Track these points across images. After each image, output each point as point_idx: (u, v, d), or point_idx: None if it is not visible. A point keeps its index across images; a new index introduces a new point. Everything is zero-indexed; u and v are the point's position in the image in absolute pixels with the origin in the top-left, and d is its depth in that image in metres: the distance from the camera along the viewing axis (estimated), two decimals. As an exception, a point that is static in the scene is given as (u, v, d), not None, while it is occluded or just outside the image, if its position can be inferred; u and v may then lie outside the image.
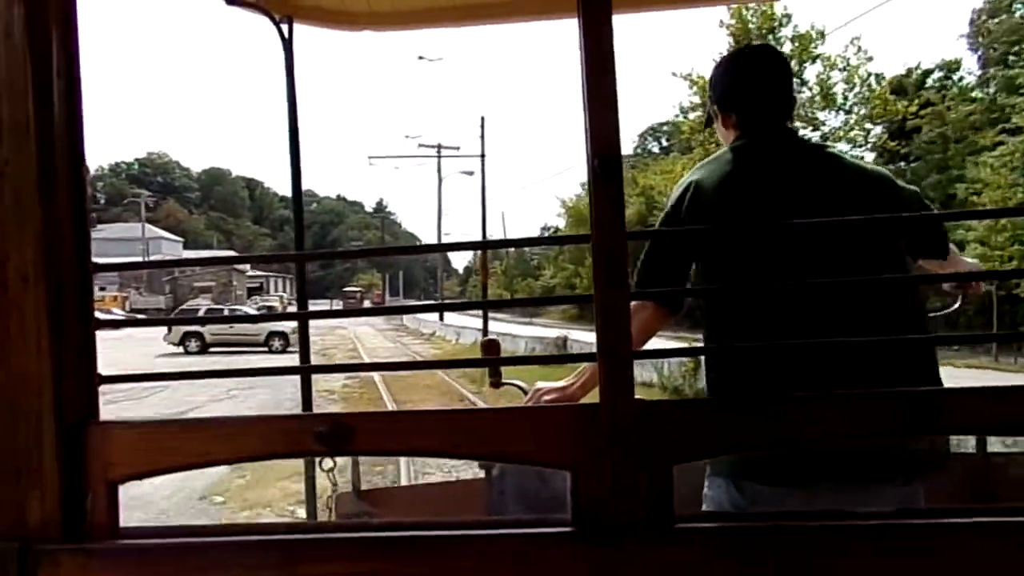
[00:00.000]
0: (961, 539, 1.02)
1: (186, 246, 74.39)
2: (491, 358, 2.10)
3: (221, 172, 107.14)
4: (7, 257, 1.05)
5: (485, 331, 20.80)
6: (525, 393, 2.00)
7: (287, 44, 2.10)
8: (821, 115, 20.99)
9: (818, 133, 20.66)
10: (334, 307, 48.83)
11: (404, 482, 6.73)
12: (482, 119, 34.50)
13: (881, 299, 1.48)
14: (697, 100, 25.24)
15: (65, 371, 1.06)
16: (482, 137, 34.06)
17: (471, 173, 37.30)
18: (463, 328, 28.74)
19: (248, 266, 68.00)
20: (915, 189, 1.67)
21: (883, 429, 1.08)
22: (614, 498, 1.01)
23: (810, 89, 20.49)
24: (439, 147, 41.36)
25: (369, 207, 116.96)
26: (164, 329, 26.06)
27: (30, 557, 1.02)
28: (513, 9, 2.21)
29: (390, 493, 2.43)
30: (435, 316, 38.39)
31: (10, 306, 1.04)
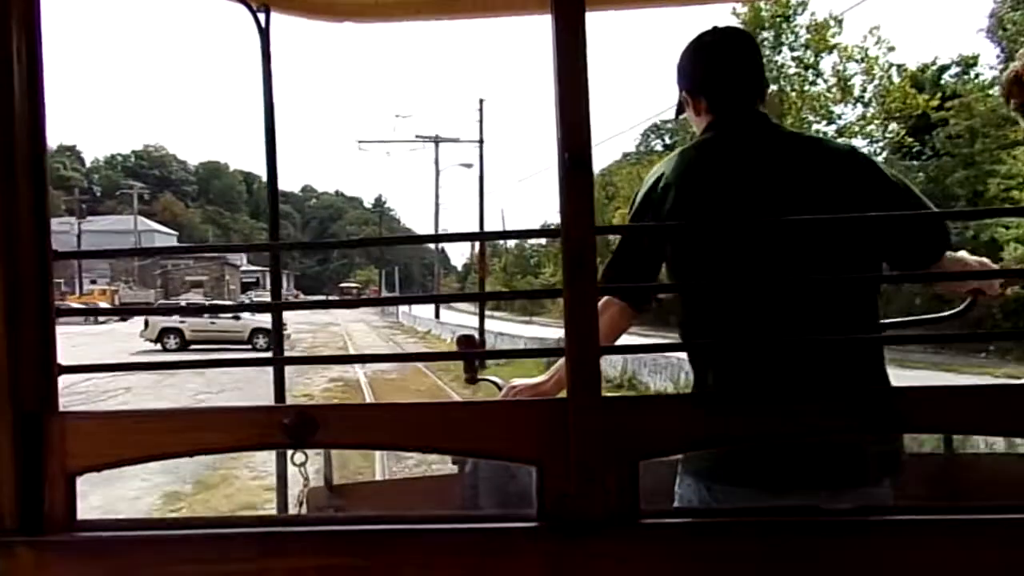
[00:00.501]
0: (927, 537, 1.03)
1: (181, 239, 72.95)
2: (467, 351, 2.09)
3: (219, 165, 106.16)
4: (-37, 244, 1.02)
5: (481, 330, 19.82)
6: (500, 389, 2.00)
7: (264, 33, 2.07)
8: (837, 108, 20.33)
9: (833, 127, 19.97)
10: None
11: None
12: (480, 101, 31.54)
13: (837, 298, 1.46)
14: None
15: (22, 361, 1.04)
16: (480, 121, 31.08)
17: (470, 165, 35.24)
18: (459, 327, 26.89)
19: (244, 260, 66.95)
20: (906, 183, 1.56)
21: (848, 427, 1.09)
22: (580, 493, 1.01)
23: (825, 81, 19.81)
24: (436, 138, 39.30)
25: (368, 203, 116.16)
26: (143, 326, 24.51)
27: (-16, 549, 1.00)
28: (489, 4, 2.20)
29: (363, 488, 2.42)
30: (430, 313, 37.02)
31: None
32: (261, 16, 2.07)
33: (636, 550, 1.02)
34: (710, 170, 1.57)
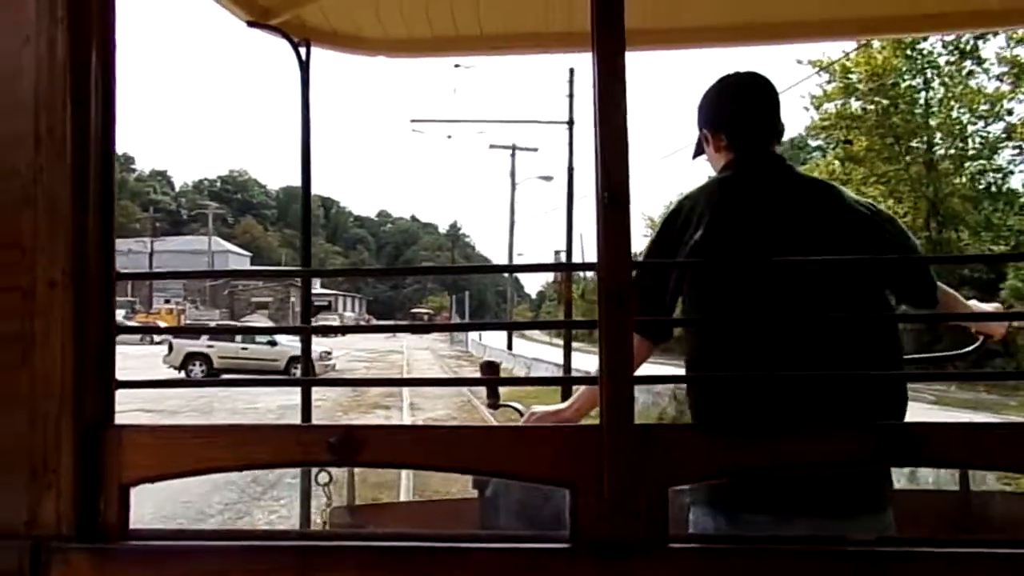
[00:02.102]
0: (939, 568, 1.06)
1: (259, 262, 73.71)
2: (491, 378, 2.14)
3: (297, 190, 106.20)
4: (36, 262, 1.09)
5: (567, 367, 16.82)
6: (521, 415, 2.04)
7: (304, 67, 2.17)
8: (1008, 104, 19.47)
9: (1000, 126, 19.27)
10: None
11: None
12: (571, 71, 24.10)
13: (858, 336, 1.52)
14: (831, 87, 23.28)
15: (85, 375, 1.10)
16: (570, 96, 23.92)
17: (550, 178, 32.97)
18: (534, 360, 23.26)
19: (317, 283, 66.73)
20: (903, 228, 1.67)
21: (871, 459, 1.13)
22: (612, 516, 1.05)
23: (986, 71, 18.94)
24: (513, 148, 35.67)
25: (443, 228, 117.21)
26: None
27: (43, 555, 1.05)
28: (528, 41, 2.29)
29: (384, 509, 2.45)
30: (503, 343, 33.29)
31: (36, 310, 1.08)
32: (302, 50, 2.17)
33: (666, 573, 1.06)
34: (731, 207, 1.63)
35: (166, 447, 1.12)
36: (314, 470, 2.06)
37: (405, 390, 15.77)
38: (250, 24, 2.07)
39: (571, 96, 23.88)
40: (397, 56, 2.34)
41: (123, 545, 1.09)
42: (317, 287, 67.17)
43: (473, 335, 40.65)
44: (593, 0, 1.10)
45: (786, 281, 1.54)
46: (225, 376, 20.28)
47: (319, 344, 24.03)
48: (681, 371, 1.56)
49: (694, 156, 1.84)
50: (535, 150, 36.92)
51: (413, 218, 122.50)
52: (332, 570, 1.09)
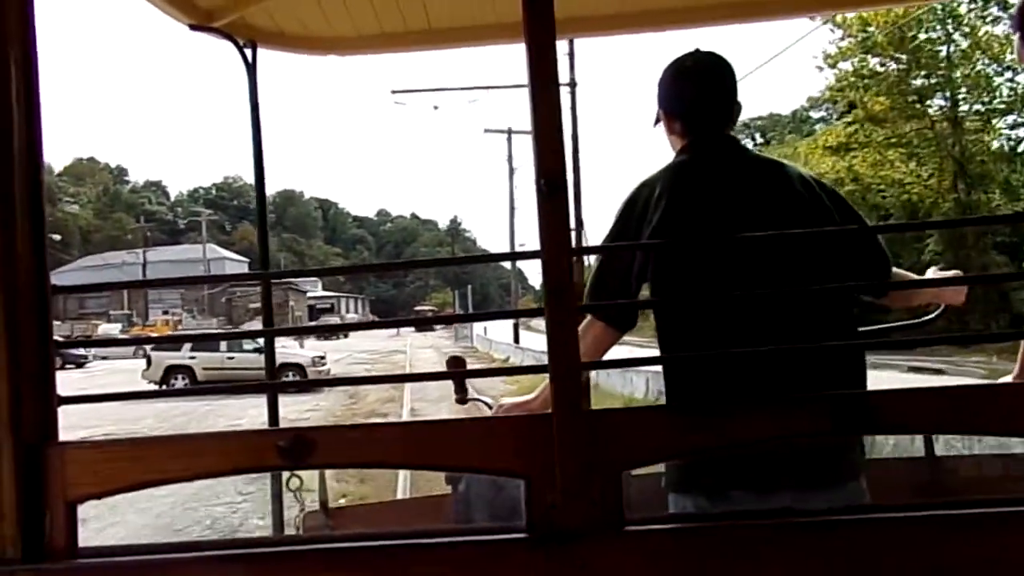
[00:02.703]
0: (908, 532, 1.07)
1: (256, 267, 71.81)
2: (458, 371, 2.13)
3: (293, 194, 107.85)
4: (-36, 281, 1.06)
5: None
6: (490, 408, 2.03)
7: (251, 69, 2.13)
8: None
9: None
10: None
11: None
12: (570, 41, 19.34)
13: (816, 313, 1.54)
14: (845, 44, 21.99)
15: (23, 393, 1.07)
16: (571, 55, 21.04)
17: None
18: (543, 354, 22.83)
19: (319, 286, 65.27)
20: (852, 207, 1.69)
21: (827, 430, 1.13)
22: (566, 504, 1.05)
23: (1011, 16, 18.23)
24: (509, 131, 33.40)
25: (443, 225, 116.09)
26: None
27: (-12, 579, 1.03)
28: (467, 35, 2.28)
29: (359, 510, 2.44)
30: (509, 337, 32.33)
31: None
32: (248, 52, 2.14)
33: (621, 558, 1.05)
34: (687, 190, 1.64)
35: (111, 462, 1.10)
36: (284, 475, 2.05)
37: (406, 395, 14.71)
38: (192, 27, 2.03)
39: (571, 55, 21.28)
40: (346, 54, 2.31)
41: (71, 564, 1.07)
42: (319, 290, 66.59)
43: (478, 329, 39.40)
44: None
45: (744, 262, 1.55)
46: (200, 408, 16.59)
47: (312, 348, 23.07)
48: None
49: (654, 124, 1.84)
50: (530, 132, 35.39)
51: (413, 216, 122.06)
52: (292, 574, 1.08)
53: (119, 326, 43.94)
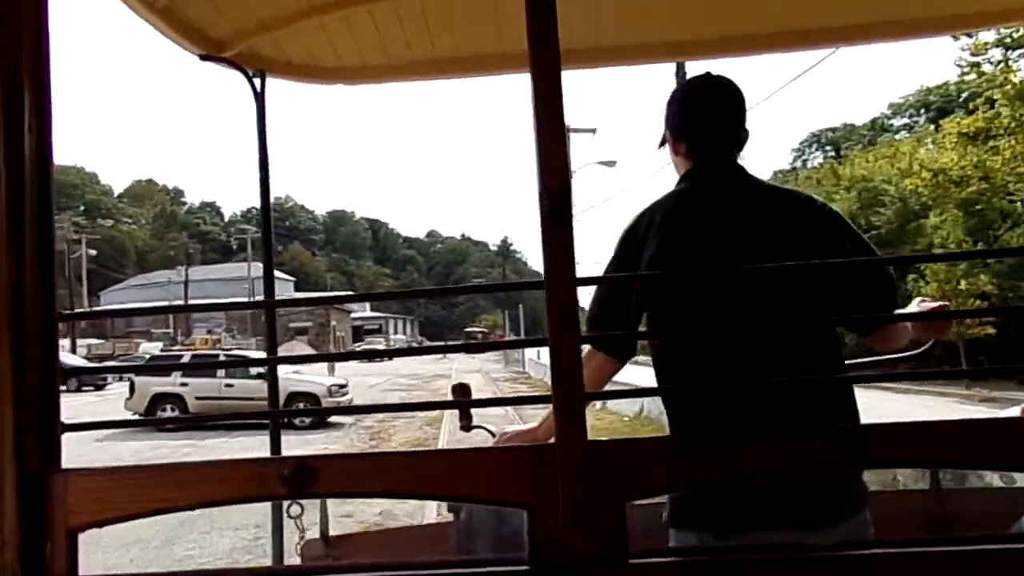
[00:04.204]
0: (915, 567, 1.06)
1: (305, 287, 72.26)
2: (462, 400, 2.12)
3: (344, 214, 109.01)
4: (-28, 307, 1.07)
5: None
6: (493, 436, 2.02)
7: (259, 98, 2.16)
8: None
9: None
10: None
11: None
12: None
13: (807, 346, 1.53)
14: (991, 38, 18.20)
15: (27, 420, 1.07)
16: None
17: (612, 163, 27.46)
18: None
19: (367, 306, 64.11)
20: (863, 239, 1.64)
21: (832, 462, 1.13)
22: (568, 536, 1.04)
23: None
24: (567, 129, 30.62)
25: (494, 246, 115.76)
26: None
27: (-13, 608, 1.02)
28: (473, 65, 2.31)
29: (359, 538, 2.42)
30: None
31: None
32: (256, 81, 2.17)
33: None
34: (686, 220, 1.64)
35: (114, 490, 1.10)
36: (285, 503, 2.03)
37: (442, 436, 13.51)
38: (203, 58, 2.06)
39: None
40: (354, 83, 2.34)
41: (70, 593, 1.06)
42: (367, 311, 65.98)
43: (531, 354, 35.98)
44: (528, 19, 1.11)
45: (741, 294, 1.54)
46: (197, 423, 16.26)
47: (354, 373, 20.63)
48: None
49: (659, 146, 1.82)
50: (593, 131, 29.31)
51: (463, 236, 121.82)
52: None
53: (160, 344, 42.85)
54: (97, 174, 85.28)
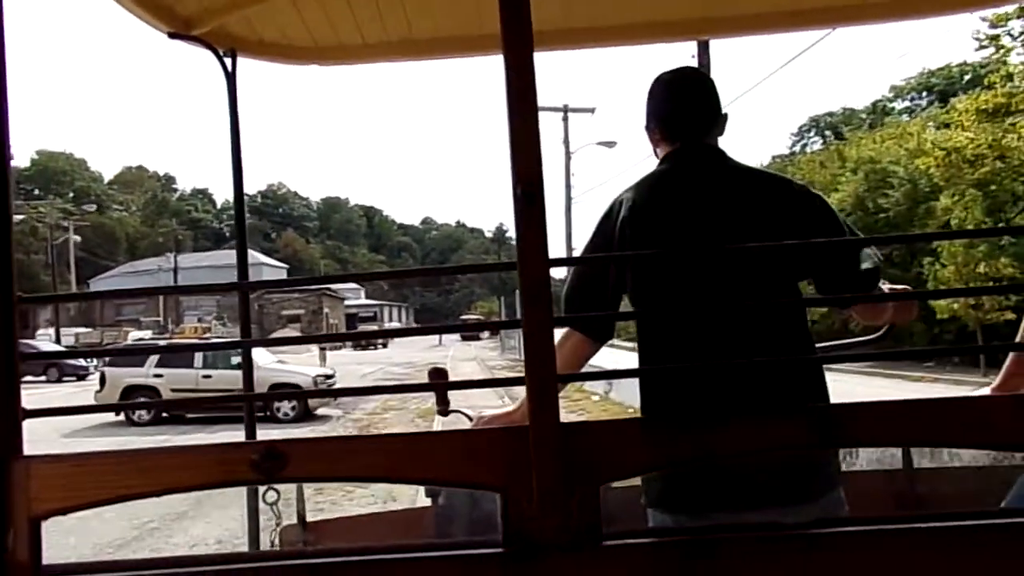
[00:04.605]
0: (885, 545, 1.07)
1: (299, 274, 70.45)
2: (438, 382, 2.11)
3: (339, 201, 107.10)
4: (-73, 291, 1.03)
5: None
6: (471, 420, 2.02)
7: (231, 77, 2.12)
8: None
9: None
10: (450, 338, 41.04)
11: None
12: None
13: (776, 325, 1.55)
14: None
15: (-13, 405, 1.05)
16: None
17: (612, 144, 26.29)
18: (596, 366, 14.59)
19: (362, 293, 62.85)
20: (840, 219, 1.66)
21: (806, 442, 1.13)
22: (542, 518, 1.04)
23: None
24: (565, 109, 28.33)
25: (489, 232, 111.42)
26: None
27: (-54, 597, 1.00)
28: (449, 46, 2.28)
29: (338, 524, 2.41)
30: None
31: None
32: (228, 61, 2.12)
33: (598, 572, 1.04)
34: (661, 200, 1.65)
35: (78, 476, 1.07)
36: (261, 489, 2.01)
37: (435, 426, 13.34)
38: (171, 35, 2.01)
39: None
40: (328, 64, 2.30)
41: (34, 582, 1.04)
42: (361, 298, 64.88)
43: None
44: (501, 1, 1.10)
45: (714, 273, 1.55)
46: (173, 416, 14.64)
47: (348, 361, 19.31)
48: None
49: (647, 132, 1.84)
50: (591, 111, 28.25)
51: (459, 223, 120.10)
52: None
53: (149, 332, 41.64)
54: (86, 160, 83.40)
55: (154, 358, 15.32)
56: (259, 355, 14.54)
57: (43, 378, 24.85)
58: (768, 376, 1.46)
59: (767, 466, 1.41)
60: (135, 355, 16.37)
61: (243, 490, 2.07)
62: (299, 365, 16.69)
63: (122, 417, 14.96)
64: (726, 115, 1.77)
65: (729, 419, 1.11)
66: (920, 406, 1.13)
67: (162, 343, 19.33)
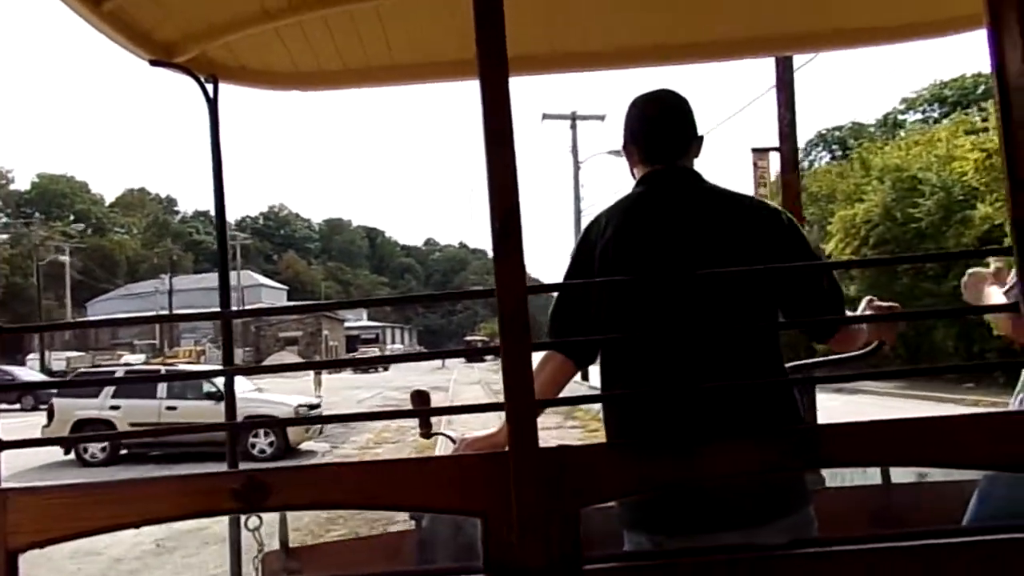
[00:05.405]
0: (862, 562, 1.09)
1: (300, 296, 69.94)
2: (422, 409, 2.11)
3: (341, 222, 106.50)
4: (-94, 324, 1.03)
5: None
6: (454, 443, 2.02)
7: (212, 104, 2.13)
8: None
9: None
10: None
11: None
12: None
13: (747, 348, 1.58)
14: None
15: (-35, 438, 1.04)
16: None
17: (622, 153, 22.67)
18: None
19: (364, 315, 61.70)
20: (807, 243, 1.69)
21: (783, 464, 1.15)
22: (523, 542, 1.04)
23: None
24: (573, 116, 27.01)
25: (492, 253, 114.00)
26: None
27: (-78, 635, 0.98)
28: (428, 71, 2.31)
29: (320, 549, 2.39)
30: (593, 378, 21.32)
31: None
32: (209, 87, 2.13)
33: None
34: (634, 223, 1.67)
35: (58, 508, 1.07)
36: (243, 516, 2.00)
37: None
38: (152, 63, 2.02)
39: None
40: (309, 89, 2.32)
41: (12, 616, 1.03)
42: (363, 320, 63.55)
43: (534, 364, 33.82)
44: (477, 29, 1.12)
45: (684, 297, 1.58)
46: (131, 454, 13.21)
47: (305, 395, 16.77)
48: None
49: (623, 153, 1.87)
50: (602, 118, 26.35)
51: (461, 244, 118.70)
52: None
53: (143, 357, 40.71)
54: (88, 183, 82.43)
55: (111, 389, 13.45)
56: (223, 384, 11.49)
57: (17, 406, 24.11)
58: (736, 398, 1.48)
59: (740, 485, 1.42)
60: (96, 385, 14.25)
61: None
62: (278, 395, 14.96)
63: (71, 457, 13.08)
64: (702, 137, 1.79)
65: (709, 442, 1.13)
66: (896, 426, 1.15)
67: (114, 370, 17.60)
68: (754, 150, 10.69)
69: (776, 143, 7.76)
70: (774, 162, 9.93)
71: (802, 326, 1.75)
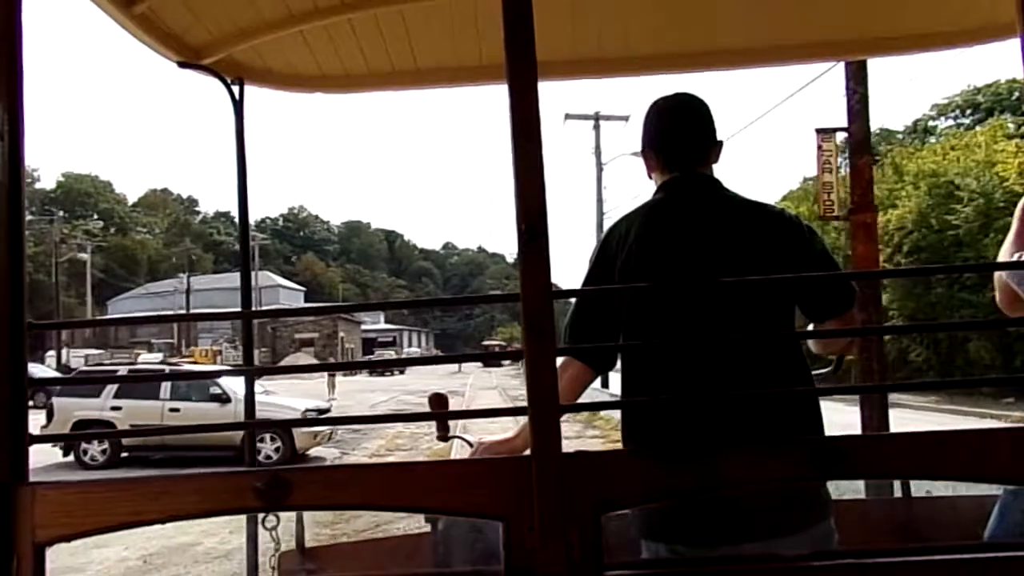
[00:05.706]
0: None
1: (318, 298, 70.44)
2: (439, 411, 2.12)
3: (360, 224, 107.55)
4: (-61, 316, 1.05)
5: None
6: (471, 446, 2.02)
7: (238, 106, 2.15)
8: None
9: None
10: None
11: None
12: None
13: (773, 355, 1.57)
14: None
15: (-5, 431, 1.06)
16: None
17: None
18: None
19: (381, 317, 62.35)
20: (824, 247, 1.70)
21: (804, 474, 1.14)
22: (544, 548, 1.04)
23: None
24: (597, 117, 26.56)
25: (511, 257, 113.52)
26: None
27: (-50, 624, 1.00)
28: (453, 76, 2.32)
29: (336, 550, 2.40)
30: (614, 385, 20.78)
31: None
32: (235, 89, 2.16)
33: None
34: (655, 231, 1.67)
35: (83, 504, 1.08)
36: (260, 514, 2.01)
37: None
38: (181, 65, 2.05)
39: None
40: (333, 92, 2.34)
41: (38, 609, 1.04)
42: (380, 323, 64.23)
43: None
44: (506, 33, 1.12)
45: (706, 304, 1.57)
46: (133, 459, 12.59)
47: (318, 397, 16.16)
48: None
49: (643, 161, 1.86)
50: (625, 119, 25.62)
51: (480, 248, 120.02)
52: None
53: (160, 355, 40.23)
54: (112, 183, 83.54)
55: (112, 388, 12.95)
56: (240, 386, 11.40)
57: (31, 403, 24.31)
58: (761, 406, 1.47)
59: (760, 495, 1.41)
60: (100, 383, 13.54)
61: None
62: (288, 397, 14.54)
63: (71, 459, 12.78)
64: (721, 142, 1.78)
65: (731, 450, 1.12)
66: (916, 439, 1.14)
67: (116, 369, 17.04)
68: (818, 131, 9.90)
69: (844, 123, 6.99)
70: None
71: (820, 337, 1.73)
